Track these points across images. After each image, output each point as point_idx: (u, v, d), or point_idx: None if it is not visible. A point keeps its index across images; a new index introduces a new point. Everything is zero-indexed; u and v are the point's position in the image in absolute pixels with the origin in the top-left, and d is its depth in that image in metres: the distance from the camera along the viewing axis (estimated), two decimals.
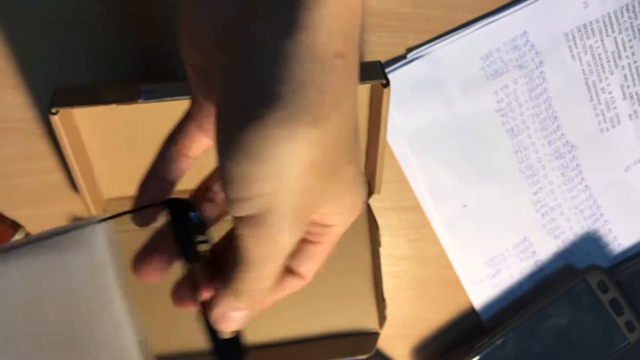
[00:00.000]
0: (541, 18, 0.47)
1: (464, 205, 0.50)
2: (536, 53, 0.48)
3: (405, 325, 0.52)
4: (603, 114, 0.51)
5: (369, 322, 0.48)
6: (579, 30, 0.48)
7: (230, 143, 0.22)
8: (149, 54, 0.44)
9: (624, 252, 0.54)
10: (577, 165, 0.51)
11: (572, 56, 0.49)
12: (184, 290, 0.27)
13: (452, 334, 0.53)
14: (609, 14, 0.48)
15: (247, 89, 0.21)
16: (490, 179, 0.50)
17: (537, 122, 0.50)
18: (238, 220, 0.23)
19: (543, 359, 0.50)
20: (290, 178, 0.22)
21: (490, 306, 0.53)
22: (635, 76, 0.50)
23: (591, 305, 0.50)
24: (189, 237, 0.25)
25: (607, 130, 0.51)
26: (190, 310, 0.27)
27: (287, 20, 0.21)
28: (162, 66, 0.45)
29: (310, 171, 0.22)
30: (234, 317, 0.26)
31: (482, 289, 0.52)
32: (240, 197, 0.22)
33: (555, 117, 0.50)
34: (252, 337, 0.47)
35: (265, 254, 0.24)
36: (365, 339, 0.48)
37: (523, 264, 0.53)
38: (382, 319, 0.48)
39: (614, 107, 0.51)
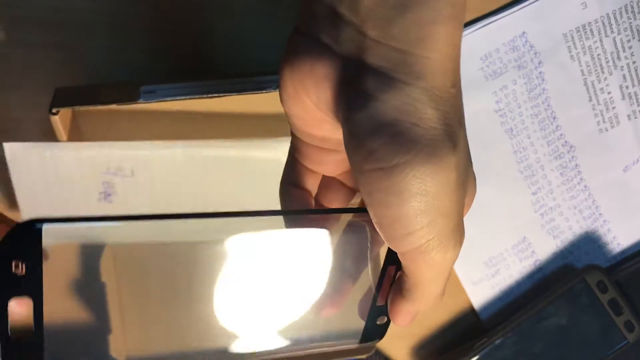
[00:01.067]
0: (540, 19, 0.47)
1: None
2: (535, 54, 0.48)
3: None
4: (602, 115, 0.51)
5: None
6: (578, 31, 0.48)
7: (377, 189, 0.23)
8: (151, 55, 0.44)
9: (623, 252, 0.54)
10: (576, 165, 0.51)
11: (571, 57, 0.49)
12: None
13: (452, 333, 0.53)
14: (607, 14, 0.48)
15: (381, 137, 0.23)
16: (490, 179, 0.50)
17: (536, 122, 0.50)
18: (401, 254, 0.25)
19: (542, 359, 0.50)
20: (443, 204, 0.23)
21: (489, 306, 0.53)
22: (634, 76, 0.50)
23: (590, 305, 0.50)
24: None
25: (606, 130, 0.51)
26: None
27: (406, 73, 0.23)
28: (163, 67, 0.45)
29: (456, 188, 0.23)
30: (409, 318, 0.29)
31: (481, 288, 0.52)
32: (399, 236, 0.24)
33: (554, 118, 0.50)
34: None
35: (433, 275, 0.25)
36: None
37: (522, 263, 0.53)
38: None
39: (613, 108, 0.51)
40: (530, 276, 0.53)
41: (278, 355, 0.29)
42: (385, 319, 0.29)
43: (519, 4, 0.47)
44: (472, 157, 0.27)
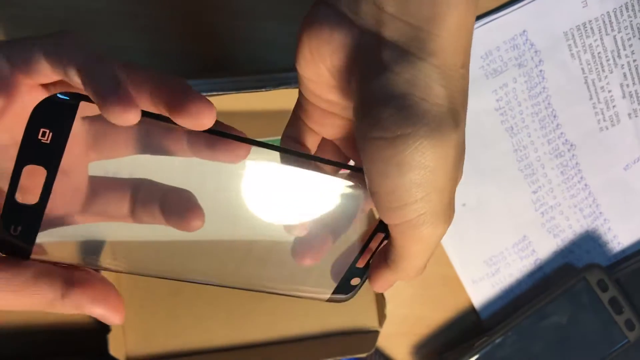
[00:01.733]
0: (541, 17, 0.47)
1: (464, 204, 0.51)
2: (536, 52, 0.48)
3: (405, 323, 0.52)
4: (602, 113, 0.51)
5: (368, 320, 0.48)
6: (579, 29, 0.48)
7: (379, 158, 0.24)
8: (153, 54, 0.44)
9: (624, 251, 0.54)
10: (577, 164, 0.51)
11: (572, 55, 0.49)
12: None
13: (452, 332, 0.53)
14: (608, 12, 0.48)
15: (389, 107, 0.23)
16: (490, 177, 0.50)
17: (536, 120, 0.50)
18: (392, 226, 0.25)
19: (542, 358, 0.50)
20: (439, 180, 0.24)
21: (489, 305, 0.53)
22: (635, 75, 0.50)
23: (591, 304, 0.50)
24: None
25: (607, 129, 0.51)
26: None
27: (419, 48, 0.23)
28: (166, 67, 0.45)
29: (453, 166, 0.24)
30: (387, 285, 0.29)
31: (481, 287, 0.52)
32: (392, 207, 0.24)
33: (554, 116, 0.50)
34: (251, 335, 0.47)
35: (419, 250, 0.26)
36: (365, 337, 0.48)
37: (522, 262, 0.53)
38: (381, 317, 0.48)
39: (614, 106, 0.51)
40: (531, 275, 0.53)
41: (252, 288, 0.29)
42: (359, 280, 0.30)
43: (519, 2, 0.47)
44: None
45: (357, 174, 0.28)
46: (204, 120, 0.23)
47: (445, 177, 0.24)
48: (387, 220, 0.25)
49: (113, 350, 0.42)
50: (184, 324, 0.46)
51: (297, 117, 0.31)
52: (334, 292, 0.30)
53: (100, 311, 0.26)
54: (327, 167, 0.28)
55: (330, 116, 0.30)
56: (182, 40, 0.44)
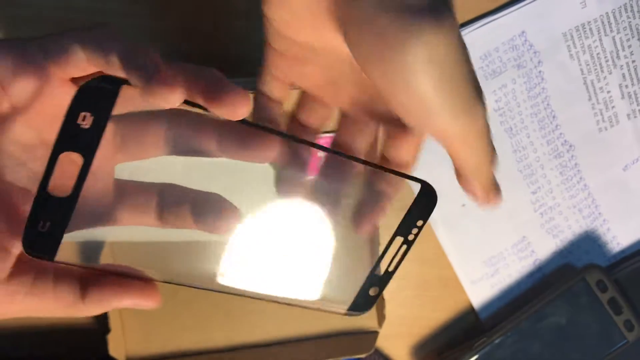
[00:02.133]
0: (539, 18, 0.47)
1: (463, 205, 0.51)
2: (535, 53, 0.48)
3: (404, 324, 0.52)
4: (601, 114, 0.51)
5: (368, 321, 0.48)
6: (578, 30, 0.48)
7: (393, 72, 0.23)
8: None
9: (623, 251, 0.54)
10: (576, 164, 0.51)
11: (571, 56, 0.49)
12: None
13: (451, 333, 0.53)
14: (607, 13, 0.48)
15: (384, 18, 0.23)
16: None
17: (535, 121, 0.50)
18: (436, 139, 0.25)
19: (541, 358, 0.50)
20: (454, 68, 0.23)
21: (489, 305, 0.53)
22: (634, 76, 0.50)
23: (590, 304, 0.50)
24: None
25: (606, 129, 0.51)
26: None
27: None
28: None
29: (460, 46, 0.24)
30: (487, 195, 0.29)
31: (480, 288, 0.52)
32: (425, 120, 0.24)
33: (553, 117, 0.50)
34: (251, 336, 0.47)
35: (469, 145, 0.26)
36: (364, 338, 0.48)
37: (522, 263, 0.53)
38: (381, 317, 0.48)
39: (613, 107, 0.51)
40: (530, 275, 0.53)
41: (272, 299, 0.29)
42: (378, 290, 0.29)
43: (518, 3, 0.47)
44: None
45: (382, 173, 0.28)
46: (239, 110, 0.23)
47: (459, 60, 0.24)
48: (432, 135, 0.25)
49: (113, 351, 0.42)
50: (183, 324, 0.46)
51: (266, 69, 0.30)
52: (351, 307, 0.30)
53: (129, 301, 0.26)
54: (347, 164, 0.28)
55: (301, 63, 0.29)
56: (181, 41, 0.44)
